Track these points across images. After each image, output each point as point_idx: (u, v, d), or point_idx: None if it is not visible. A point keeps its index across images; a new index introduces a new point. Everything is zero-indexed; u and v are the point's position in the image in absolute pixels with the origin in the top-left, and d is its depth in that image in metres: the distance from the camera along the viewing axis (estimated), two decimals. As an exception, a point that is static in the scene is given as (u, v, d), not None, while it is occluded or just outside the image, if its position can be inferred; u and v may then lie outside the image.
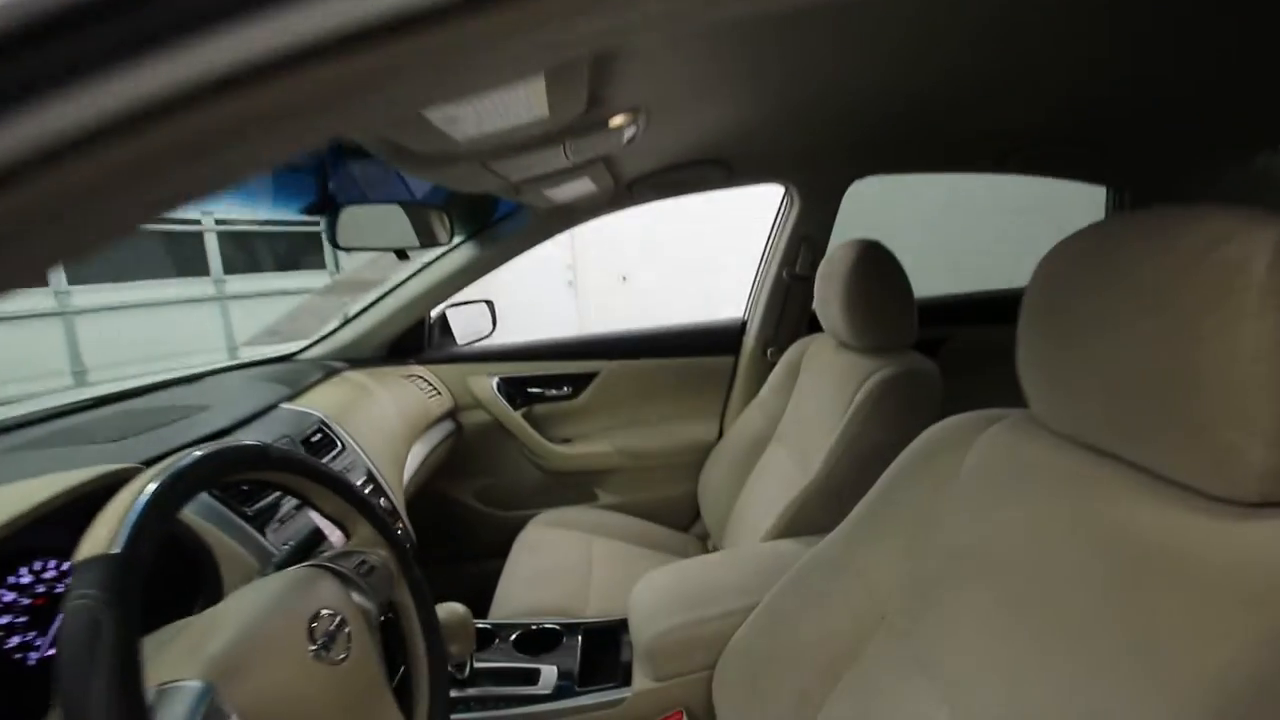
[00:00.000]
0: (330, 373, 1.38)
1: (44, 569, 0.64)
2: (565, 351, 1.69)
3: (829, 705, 0.72)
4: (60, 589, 0.66)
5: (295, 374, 1.33)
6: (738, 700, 0.82)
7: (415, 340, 1.65)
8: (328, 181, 1.39)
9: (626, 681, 0.93)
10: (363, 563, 0.68)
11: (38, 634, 0.61)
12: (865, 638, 0.73)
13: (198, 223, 4.54)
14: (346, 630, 0.58)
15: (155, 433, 0.86)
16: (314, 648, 0.54)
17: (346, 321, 1.57)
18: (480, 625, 1.09)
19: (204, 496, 0.78)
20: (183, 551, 0.72)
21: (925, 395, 1.08)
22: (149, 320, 4.37)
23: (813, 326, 1.65)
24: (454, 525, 1.71)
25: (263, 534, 0.80)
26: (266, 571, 0.71)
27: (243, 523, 0.78)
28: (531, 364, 1.69)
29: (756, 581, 0.94)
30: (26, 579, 0.63)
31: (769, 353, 1.62)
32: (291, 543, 0.78)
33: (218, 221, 4.71)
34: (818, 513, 1.08)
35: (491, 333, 1.86)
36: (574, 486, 1.73)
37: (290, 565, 0.66)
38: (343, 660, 0.56)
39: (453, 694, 0.93)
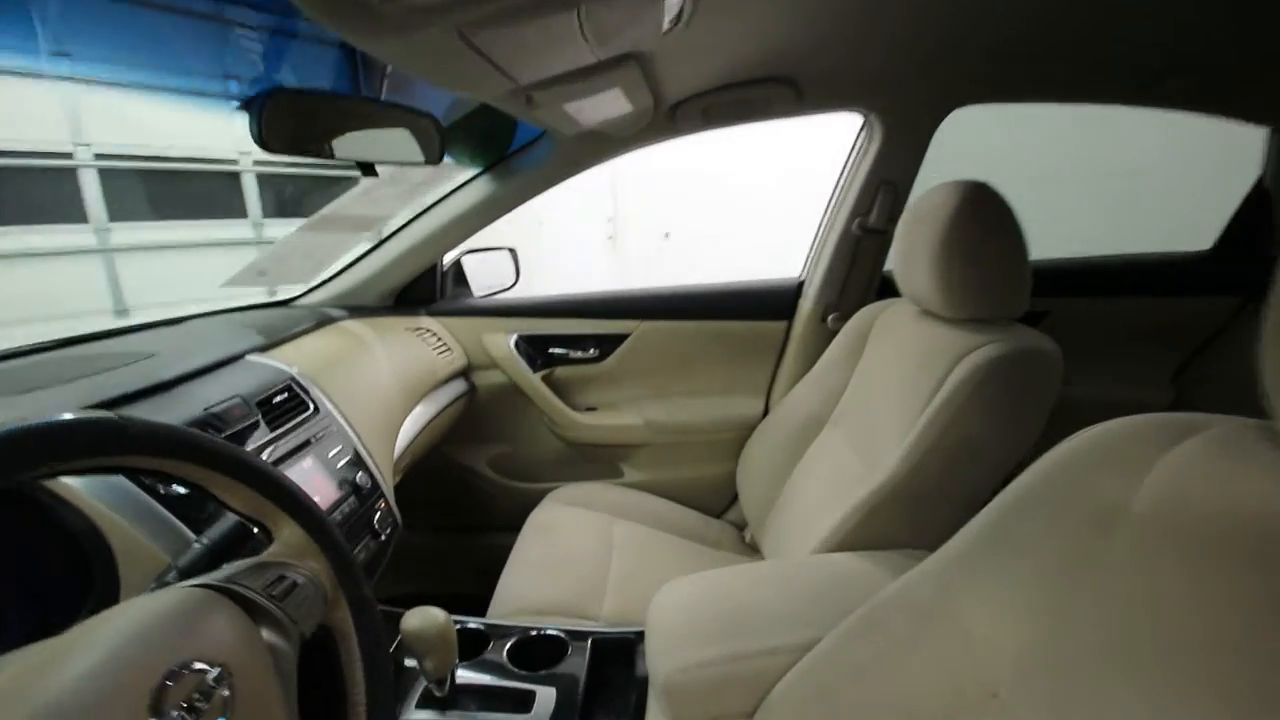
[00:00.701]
0: (324, 321, 1.21)
1: None
2: (593, 309, 1.49)
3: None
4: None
5: (286, 321, 1.17)
6: None
7: (426, 289, 1.47)
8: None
9: (639, 717, 0.75)
10: (280, 579, 0.50)
11: None
12: (965, 717, 0.52)
13: (235, 163, 4.47)
14: (225, 692, 0.40)
15: (66, 387, 0.70)
16: None
17: (349, 265, 1.40)
18: (473, 627, 0.92)
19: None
20: (73, 541, 0.56)
21: (1043, 383, 0.83)
22: (190, 261, 4.35)
23: (883, 291, 1.40)
24: (465, 495, 1.56)
25: (190, 521, 0.63)
26: (167, 579, 0.55)
27: (155, 504, 0.61)
28: (555, 321, 1.49)
29: (813, 611, 0.74)
30: None
31: (829, 319, 1.38)
32: (207, 540, 0.61)
33: (256, 163, 4.63)
34: (891, 521, 0.87)
35: (513, 285, 1.67)
36: (597, 460, 1.54)
37: (198, 572, 0.48)
38: None
39: (428, 717, 0.77)
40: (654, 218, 5.03)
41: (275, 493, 0.52)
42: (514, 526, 1.29)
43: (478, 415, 1.52)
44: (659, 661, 0.73)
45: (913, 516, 0.87)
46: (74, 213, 3.75)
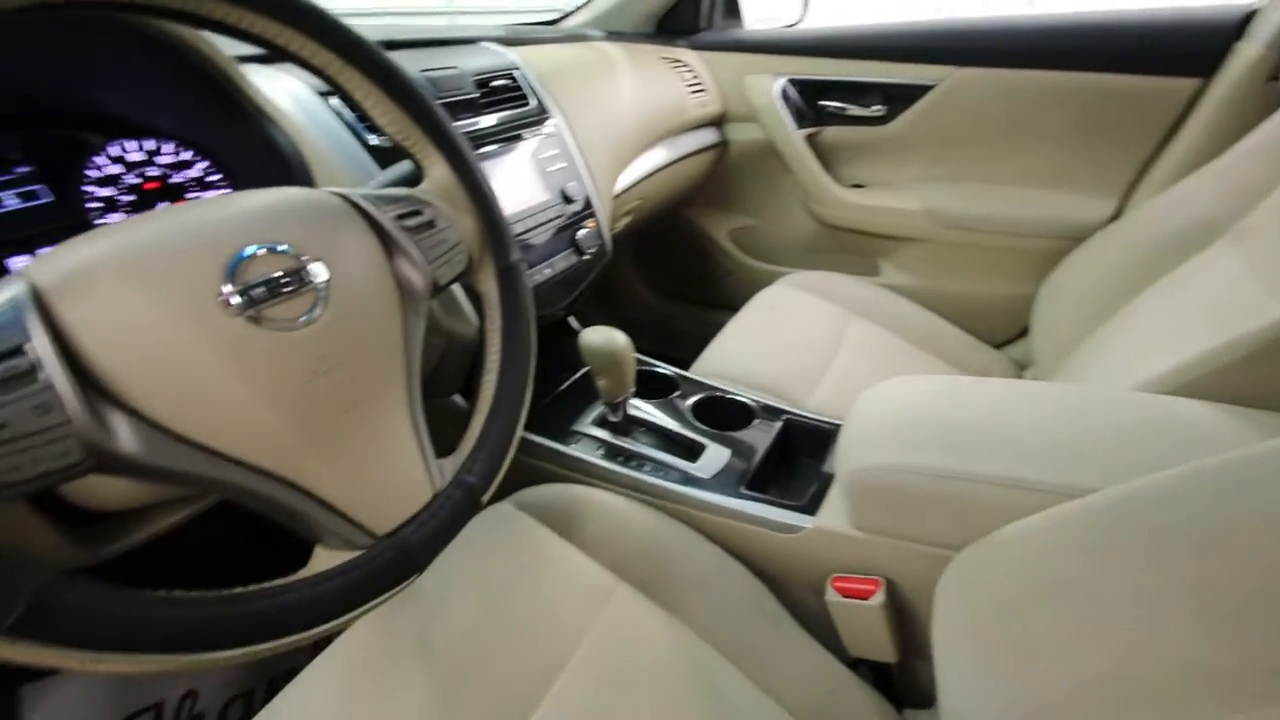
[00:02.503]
0: (575, 37, 1.12)
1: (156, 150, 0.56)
2: (890, 48, 1.13)
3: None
4: (175, 178, 0.58)
5: (535, 33, 1.10)
6: (983, 633, 0.45)
7: (689, 16, 1.26)
8: None
9: (813, 508, 0.63)
10: (416, 213, 0.44)
11: None
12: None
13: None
14: (319, 284, 0.36)
15: None
16: (230, 290, 0.33)
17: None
18: (662, 371, 0.87)
19: (310, 100, 0.61)
20: (283, 161, 0.57)
21: None
22: None
23: None
24: (700, 266, 1.47)
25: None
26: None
27: (355, 141, 0.61)
28: (835, 62, 1.18)
29: (1104, 451, 0.50)
30: (137, 155, 0.55)
31: (1287, 74, 0.84)
32: (385, 175, 0.59)
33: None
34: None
35: (797, 22, 1.36)
36: (854, 251, 1.30)
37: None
38: (292, 324, 0.35)
39: (599, 435, 0.76)
40: None
41: (420, 114, 0.45)
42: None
43: (726, 178, 1.36)
44: (853, 451, 0.58)
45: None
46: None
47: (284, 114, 0.57)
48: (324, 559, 0.37)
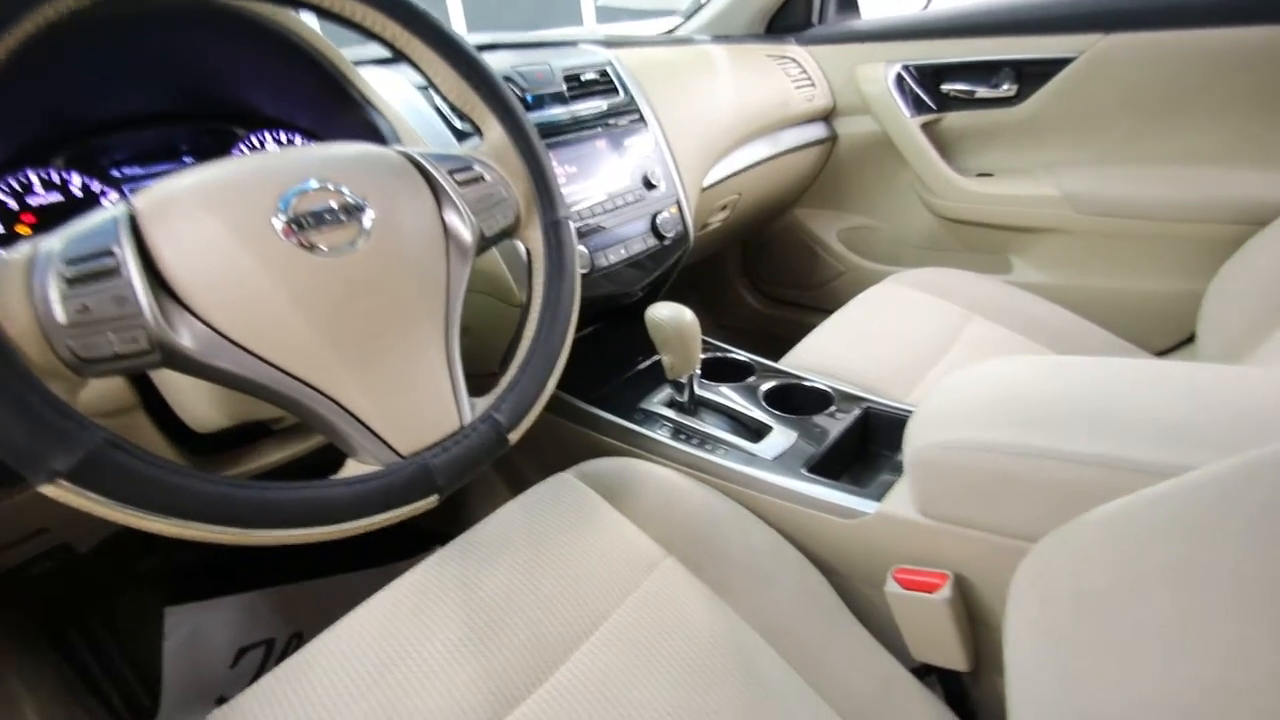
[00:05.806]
0: (680, 41, 1.14)
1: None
2: (1022, 19, 1.03)
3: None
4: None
5: (637, 38, 1.14)
6: (1061, 630, 0.38)
7: (801, 12, 1.24)
8: None
9: (881, 495, 0.57)
10: (467, 169, 0.48)
11: None
12: None
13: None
14: (364, 224, 0.40)
15: None
16: (282, 217, 0.38)
17: (721, -15, 1.26)
18: (736, 356, 0.84)
19: (412, 94, 0.69)
20: (373, 132, 0.64)
21: None
22: None
23: None
24: (809, 269, 1.41)
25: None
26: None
27: (447, 132, 0.67)
28: (958, 43, 1.09)
29: (1230, 428, 0.40)
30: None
31: None
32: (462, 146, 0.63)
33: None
34: None
35: (926, 7, 1.28)
36: (979, 247, 1.18)
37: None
38: (335, 251, 0.39)
39: (665, 414, 0.75)
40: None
41: (474, 78, 0.49)
42: None
43: (836, 175, 1.30)
44: (921, 429, 0.52)
45: None
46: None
47: (387, 104, 0.64)
48: (353, 469, 0.40)
